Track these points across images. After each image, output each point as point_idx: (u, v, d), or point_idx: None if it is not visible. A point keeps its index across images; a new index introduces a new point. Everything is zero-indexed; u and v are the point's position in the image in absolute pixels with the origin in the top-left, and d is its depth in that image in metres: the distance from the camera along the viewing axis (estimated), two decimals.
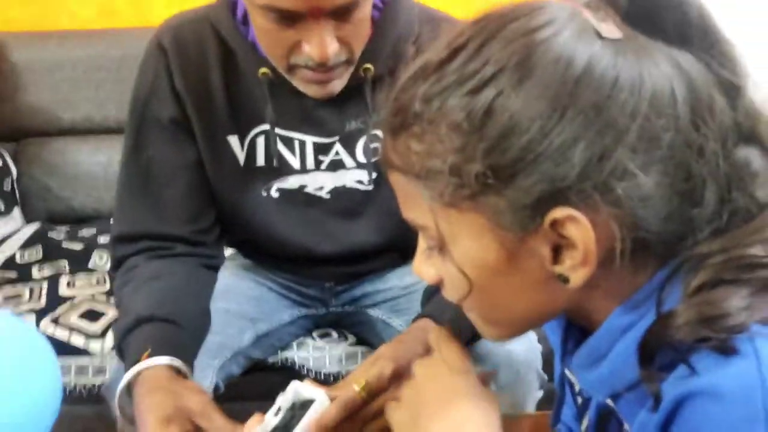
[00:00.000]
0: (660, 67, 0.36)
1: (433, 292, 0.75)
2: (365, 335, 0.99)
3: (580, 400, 0.47)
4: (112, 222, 0.84)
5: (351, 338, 1.02)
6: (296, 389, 0.57)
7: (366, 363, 0.63)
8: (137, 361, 0.65)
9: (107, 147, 1.55)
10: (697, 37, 0.37)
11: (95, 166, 1.54)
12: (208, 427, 0.59)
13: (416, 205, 0.40)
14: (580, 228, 0.36)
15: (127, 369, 0.65)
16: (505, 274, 0.39)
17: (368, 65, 0.74)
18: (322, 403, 0.55)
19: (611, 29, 0.37)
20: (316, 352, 1.00)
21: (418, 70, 0.40)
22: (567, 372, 0.48)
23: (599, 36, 0.36)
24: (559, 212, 0.36)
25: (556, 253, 0.38)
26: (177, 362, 0.66)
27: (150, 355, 0.65)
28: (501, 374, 0.73)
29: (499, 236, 0.38)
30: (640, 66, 0.36)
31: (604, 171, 0.35)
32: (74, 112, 1.57)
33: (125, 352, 0.69)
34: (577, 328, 0.45)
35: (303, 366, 0.99)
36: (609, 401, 0.41)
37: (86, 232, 1.46)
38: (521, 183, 0.36)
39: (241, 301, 0.89)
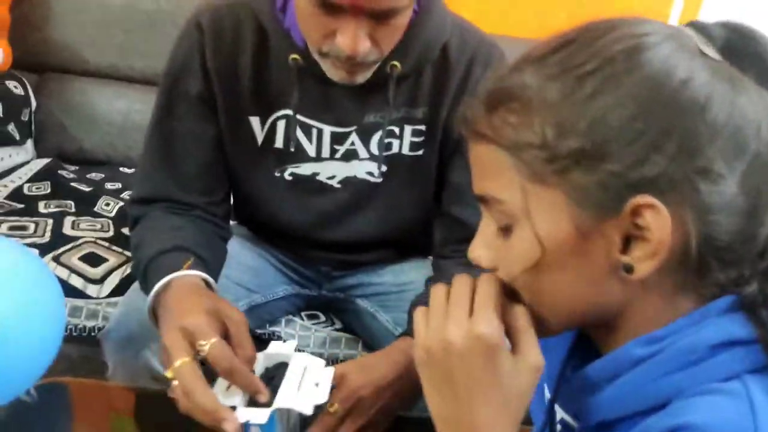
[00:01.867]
0: (750, 94, 0.40)
1: (416, 303, 0.78)
2: (351, 323, 1.03)
3: (559, 428, 0.50)
4: (133, 185, 0.86)
5: (337, 323, 1.06)
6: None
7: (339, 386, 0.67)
8: (176, 269, 0.68)
9: (127, 95, 1.57)
10: None
11: (113, 112, 1.56)
12: (236, 335, 0.61)
13: (498, 176, 0.42)
14: (658, 218, 0.38)
15: (160, 278, 0.68)
16: (572, 256, 0.41)
17: (396, 63, 0.76)
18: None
19: (711, 51, 0.41)
20: (303, 330, 1.03)
21: (522, 58, 0.43)
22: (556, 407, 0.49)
23: (701, 53, 0.40)
24: (642, 199, 0.38)
25: (625, 244, 0.40)
26: (208, 277, 0.70)
27: (189, 267, 0.69)
28: None
29: (575, 216, 0.40)
30: (733, 87, 0.39)
31: (691, 167, 0.38)
32: (100, 55, 1.58)
33: (159, 268, 0.71)
34: (579, 355, 0.48)
35: (287, 341, 1.02)
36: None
37: (95, 175, 1.48)
38: (610, 166, 0.38)
39: (240, 270, 0.92)
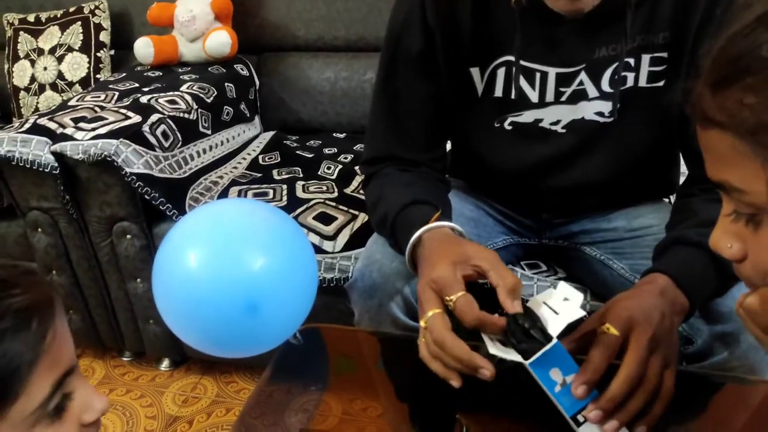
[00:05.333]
0: None
1: (666, 246, 0.72)
2: (577, 272, 0.99)
3: None
4: (363, 146, 0.91)
5: (561, 272, 1.02)
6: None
7: (601, 314, 0.62)
8: (426, 222, 0.72)
9: (334, 64, 1.67)
10: None
11: (323, 81, 1.67)
12: (492, 271, 0.61)
13: (737, 165, 0.37)
14: None
15: (410, 230, 0.72)
16: None
17: None
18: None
19: None
20: (525, 280, 1.02)
21: (762, 16, 0.35)
22: None
23: None
24: None
25: None
26: (456, 227, 0.72)
27: (437, 220, 0.72)
28: (743, 336, 0.68)
29: None
30: None
31: None
32: (307, 29, 1.70)
33: (407, 221, 0.75)
34: None
35: None
36: None
37: (313, 142, 1.62)
38: None
39: (461, 222, 0.92)
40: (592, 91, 0.77)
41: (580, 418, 0.57)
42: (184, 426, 1.36)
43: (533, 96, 0.79)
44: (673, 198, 0.92)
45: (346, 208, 1.25)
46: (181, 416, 1.39)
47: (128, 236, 1.29)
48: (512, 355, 0.57)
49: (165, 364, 1.54)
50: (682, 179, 0.89)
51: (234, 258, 0.65)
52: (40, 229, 1.33)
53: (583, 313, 0.57)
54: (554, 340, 0.56)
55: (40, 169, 1.22)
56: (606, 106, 0.78)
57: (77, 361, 0.47)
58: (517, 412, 0.69)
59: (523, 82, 0.78)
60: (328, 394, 0.84)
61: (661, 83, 0.76)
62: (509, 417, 0.71)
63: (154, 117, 1.30)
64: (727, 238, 0.40)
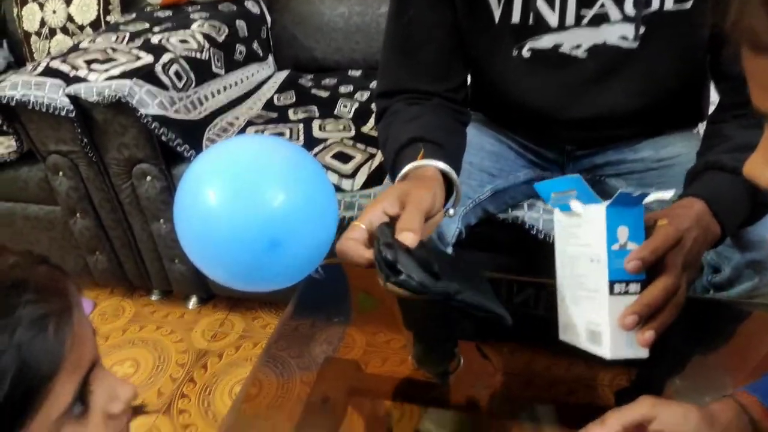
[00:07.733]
0: None
1: (700, 171, 0.69)
2: None
3: None
4: (377, 80, 0.88)
5: None
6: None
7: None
8: (412, 162, 0.67)
9: None
10: None
11: (336, 17, 1.62)
12: (405, 211, 0.57)
13: None
14: None
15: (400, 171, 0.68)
16: None
17: None
18: None
19: None
20: (546, 214, 1.01)
21: None
22: None
23: None
24: None
25: None
26: (441, 165, 0.67)
27: (423, 157, 0.67)
28: None
29: None
30: None
31: None
32: None
33: (401, 163, 0.71)
34: None
35: (532, 226, 1.01)
36: None
37: (328, 81, 1.58)
38: None
39: (482, 156, 0.92)
40: (614, 14, 0.74)
41: (616, 287, 0.55)
42: (214, 359, 1.41)
43: (552, 19, 0.76)
44: (702, 127, 0.89)
45: (363, 147, 1.23)
46: (210, 350, 1.44)
47: (148, 178, 1.29)
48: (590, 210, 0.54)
49: (192, 301, 1.58)
50: (711, 108, 0.86)
51: (255, 194, 0.65)
52: (60, 173, 1.34)
53: (672, 193, 0.54)
54: (645, 194, 0.53)
55: (56, 113, 1.22)
56: (630, 30, 0.74)
57: (98, 353, 0.42)
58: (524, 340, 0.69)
59: (542, 4, 0.75)
60: (352, 327, 0.85)
61: (688, 5, 0.71)
62: (521, 343, 0.72)
63: (166, 57, 1.27)
64: (763, 166, 0.38)
